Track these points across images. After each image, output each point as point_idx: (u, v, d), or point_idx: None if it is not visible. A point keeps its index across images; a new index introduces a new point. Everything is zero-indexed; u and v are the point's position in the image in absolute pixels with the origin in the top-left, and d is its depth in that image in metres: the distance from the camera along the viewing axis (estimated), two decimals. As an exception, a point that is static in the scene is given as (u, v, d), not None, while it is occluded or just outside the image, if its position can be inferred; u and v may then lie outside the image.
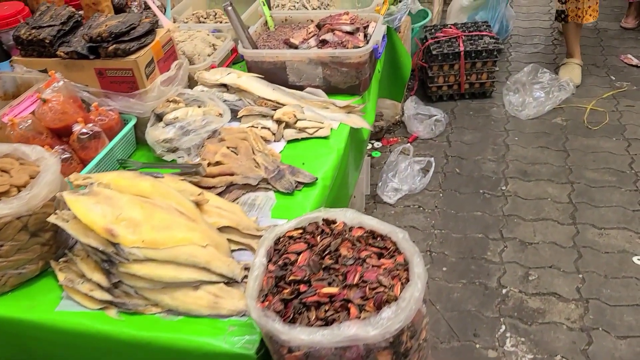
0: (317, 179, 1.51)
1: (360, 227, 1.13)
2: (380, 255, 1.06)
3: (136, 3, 2.32)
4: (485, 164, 2.92)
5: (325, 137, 1.72)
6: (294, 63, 1.93)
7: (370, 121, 2.07)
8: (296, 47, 2.04)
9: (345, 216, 1.15)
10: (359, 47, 1.92)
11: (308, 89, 1.95)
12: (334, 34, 2.00)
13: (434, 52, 3.35)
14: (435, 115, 3.18)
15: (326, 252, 1.04)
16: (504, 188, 2.73)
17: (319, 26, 2.09)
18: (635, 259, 2.26)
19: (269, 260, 1.06)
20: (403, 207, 2.66)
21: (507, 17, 4.13)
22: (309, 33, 2.12)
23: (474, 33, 3.47)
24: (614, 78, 3.65)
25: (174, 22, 2.41)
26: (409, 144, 2.96)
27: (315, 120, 1.77)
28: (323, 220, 1.15)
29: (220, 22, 2.36)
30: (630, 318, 2.03)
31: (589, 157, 2.91)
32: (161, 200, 1.21)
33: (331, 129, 1.76)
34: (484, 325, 2.05)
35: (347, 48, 1.92)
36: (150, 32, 1.74)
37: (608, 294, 2.13)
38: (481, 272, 2.27)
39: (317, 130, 1.74)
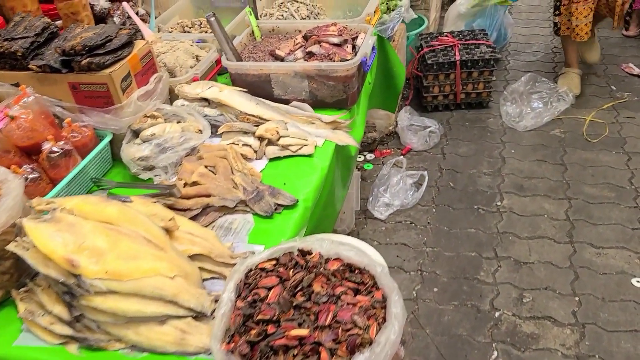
0: (297, 201, 1.46)
1: (337, 259, 1.08)
2: (356, 291, 1.01)
3: (119, 12, 2.28)
4: (480, 178, 2.88)
5: (309, 155, 1.68)
6: (279, 76, 1.89)
7: (358, 137, 2.03)
8: (282, 59, 2.00)
9: (321, 246, 1.10)
10: (347, 59, 1.88)
11: (294, 102, 1.91)
12: (320, 46, 1.96)
13: (429, 61, 3.31)
14: (430, 127, 3.14)
15: (298, 288, 1.00)
16: (499, 203, 2.69)
17: (305, 37, 2.05)
18: (634, 280, 2.21)
19: (238, 296, 1.02)
20: (394, 223, 2.61)
21: (506, 24, 4.10)
22: (296, 44, 2.08)
23: (470, 42, 3.44)
24: (614, 88, 3.61)
25: (158, 31, 2.37)
26: (402, 157, 2.92)
27: (299, 137, 1.72)
28: (298, 250, 1.10)
29: (206, 32, 2.32)
30: (628, 345, 1.98)
31: (587, 172, 2.86)
32: (128, 227, 1.17)
33: (316, 146, 1.71)
34: (475, 351, 2.00)
35: (334, 61, 1.88)
36: (128, 44, 1.70)
37: (605, 319, 2.08)
38: (473, 294, 2.22)
39: (300, 148, 1.70)
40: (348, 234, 2.54)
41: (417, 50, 3.58)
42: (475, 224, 2.56)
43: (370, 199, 2.67)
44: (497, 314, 2.13)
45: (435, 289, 2.26)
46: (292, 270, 1.04)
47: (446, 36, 3.54)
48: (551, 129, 3.24)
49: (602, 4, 3.26)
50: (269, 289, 1.00)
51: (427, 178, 2.78)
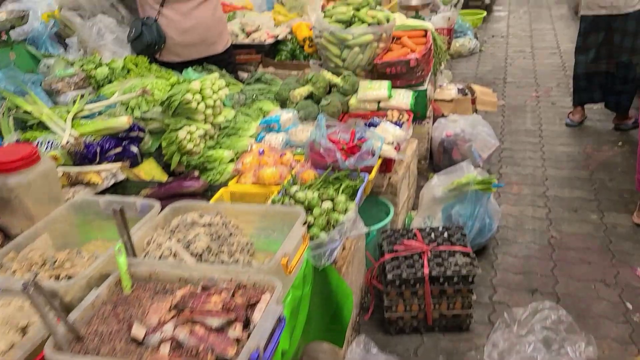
0: None
1: None
2: None
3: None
4: None
5: None
6: (125, 376, 1.38)
7: None
8: (140, 342, 1.51)
9: None
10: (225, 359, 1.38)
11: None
12: (192, 331, 1.47)
13: (389, 276, 2.83)
14: (387, 374, 2.58)
15: None
16: None
17: (178, 308, 1.57)
18: None
19: None
20: None
21: (491, 212, 3.71)
22: (171, 311, 1.59)
23: (442, 247, 2.99)
24: (630, 307, 3.12)
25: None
26: (347, 421, 2.33)
27: None
28: None
29: (58, 276, 1.83)
30: None
31: None
32: None
33: None
34: None
35: (206, 362, 1.38)
36: None
37: None
38: None
39: None
40: None
41: (379, 252, 3.13)
42: None
43: None
44: None
45: None
46: None
47: (414, 237, 3.11)
48: (552, 371, 2.70)
49: None
50: None
51: None
